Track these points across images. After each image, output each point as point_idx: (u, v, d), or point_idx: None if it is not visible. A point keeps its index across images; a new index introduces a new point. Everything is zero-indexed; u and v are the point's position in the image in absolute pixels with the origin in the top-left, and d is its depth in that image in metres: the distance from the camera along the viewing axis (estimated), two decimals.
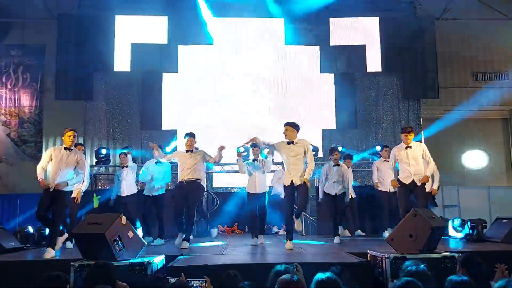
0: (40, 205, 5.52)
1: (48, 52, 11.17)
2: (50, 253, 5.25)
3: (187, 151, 6.60)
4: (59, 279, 2.87)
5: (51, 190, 5.50)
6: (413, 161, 6.06)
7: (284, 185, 6.10)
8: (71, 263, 4.07)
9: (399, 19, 11.26)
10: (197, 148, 6.86)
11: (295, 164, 5.98)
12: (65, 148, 5.66)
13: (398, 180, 6.17)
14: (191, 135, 6.65)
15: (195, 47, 11.08)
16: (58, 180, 5.51)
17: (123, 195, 7.38)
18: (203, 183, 6.87)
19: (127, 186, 7.40)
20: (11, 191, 10.57)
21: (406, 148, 6.13)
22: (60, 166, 5.57)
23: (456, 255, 4.27)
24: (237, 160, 6.95)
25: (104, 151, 9.79)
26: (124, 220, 4.41)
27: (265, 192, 6.89)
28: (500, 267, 3.17)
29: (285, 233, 7.79)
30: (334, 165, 7.23)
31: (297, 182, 5.94)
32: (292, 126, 6.09)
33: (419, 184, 5.97)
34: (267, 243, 6.73)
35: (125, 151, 7.87)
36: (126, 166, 7.49)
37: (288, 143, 6.08)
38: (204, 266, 4.37)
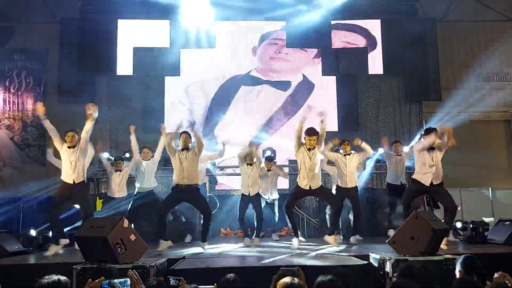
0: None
1: (51, 56, 11.22)
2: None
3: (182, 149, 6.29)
4: (59, 283, 2.87)
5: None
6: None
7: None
8: (74, 266, 4.08)
9: (401, 21, 11.26)
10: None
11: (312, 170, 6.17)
12: (68, 147, 6.06)
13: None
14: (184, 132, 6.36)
15: (197, 51, 11.12)
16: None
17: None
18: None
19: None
20: (15, 195, 10.62)
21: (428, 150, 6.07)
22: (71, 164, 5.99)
23: (457, 257, 4.26)
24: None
25: (106, 154, 9.80)
26: (126, 223, 4.43)
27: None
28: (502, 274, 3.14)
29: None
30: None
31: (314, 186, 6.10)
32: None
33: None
34: (268, 245, 6.75)
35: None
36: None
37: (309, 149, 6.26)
38: (206, 269, 4.38)
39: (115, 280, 2.64)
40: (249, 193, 7.24)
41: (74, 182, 6.03)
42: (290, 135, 10.72)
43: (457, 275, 3.32)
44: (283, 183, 10.00)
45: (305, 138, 6.28)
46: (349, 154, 7.18)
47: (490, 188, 11.13)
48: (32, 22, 11.44)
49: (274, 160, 8.33)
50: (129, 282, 2.72)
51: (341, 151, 7.21)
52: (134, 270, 2.96)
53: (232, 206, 9.15)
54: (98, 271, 3.08)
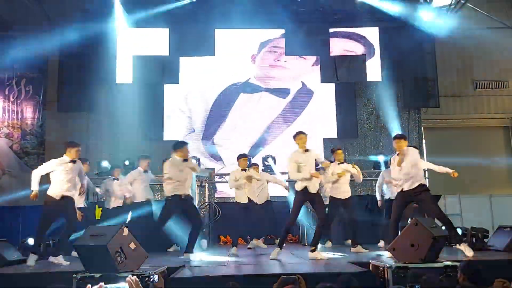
0: None
1: (50, 65, 11.25)
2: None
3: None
4: None
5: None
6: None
7: (297, 191, 6.01)
8: (73, 275, 4.07)
9: (399, 29, 11.32)
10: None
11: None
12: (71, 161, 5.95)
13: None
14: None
15: (197, 59, 11.17)
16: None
17: None
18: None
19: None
20: (14, 204, 10.59)
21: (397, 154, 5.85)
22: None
23: (458, 264, 4.26)
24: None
25: (106, 163, 9.79)
26: (126, 231, 4.42)
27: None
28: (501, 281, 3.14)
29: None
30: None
31: (312, 190, 5.93)
32: (305, 134, 6.07)
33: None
34: (268, 253, 6.72)
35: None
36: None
37: (305, 150, 6.03)
38: (206, 278, 4.37)
39: (113, 285, 2.64)
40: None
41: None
42: (289, 142, 10.80)
43: (459, 279, 3.30)
44: (284, 191, 9.99)
45: (296, 141, 6.09)
46: (343, 163, 6.99)
47: (489, 195, 11.13)
48: (32, 31, 11.48)
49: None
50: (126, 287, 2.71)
51: (333, 159, 7.03)
52: (135, 276, 2.96)
53: (232, 213, 9.12)
54: (109, 279, 3.08)
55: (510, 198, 11.02)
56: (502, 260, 5.25)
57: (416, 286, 3.02)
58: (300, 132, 6.10)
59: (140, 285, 2.82)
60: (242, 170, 7.08)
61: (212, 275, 4.52)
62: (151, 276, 3.46)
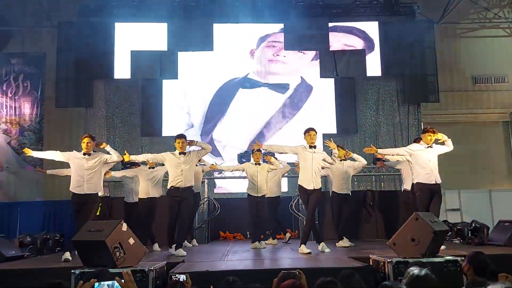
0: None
1: (48, 60, 11.19)
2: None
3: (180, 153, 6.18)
4: (60, 286, 2.85)
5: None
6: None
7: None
8: (72, 271, 4.05)
9: (398, 24, 11.27)
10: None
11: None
12: (83, 154, 5.84)
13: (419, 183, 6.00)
14: (181, 136, 6.23)
15: (195, 54, 11.10)
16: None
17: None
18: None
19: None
20: (12, 199, 10.56)
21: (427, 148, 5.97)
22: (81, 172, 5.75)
23: (459, 258, 4.24)
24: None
25: None
26: (125, 226, 4.39)
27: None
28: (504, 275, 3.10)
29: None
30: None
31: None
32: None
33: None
34: (268, 248, 6.70)
35: None
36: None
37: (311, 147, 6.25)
38: (206, 273, 4.34)
39: (105, 282, 2.64)
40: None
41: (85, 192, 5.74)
42: (289, 137, 10.77)
43: (464, 269, 3.25)
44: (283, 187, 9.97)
45: (305, 137, 6.33)
46: (345, 160, 7.16)
47: (489, 190, 11.13)
48: (29, 26, 11.41)
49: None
50: (116, 284, 2.69)
51: (336, 155, 7.11)
52: (128, 271, 2.94)
53: (231, 209, 9.12)
54: (100, 274, 3.05)
55: (509, 193, 11.01)
56: (503, 255, 5.22)
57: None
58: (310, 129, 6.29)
59: (133, 279, 2.80)
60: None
61: (212, 270, 4.50)
62: (178, 276, 3.42)
